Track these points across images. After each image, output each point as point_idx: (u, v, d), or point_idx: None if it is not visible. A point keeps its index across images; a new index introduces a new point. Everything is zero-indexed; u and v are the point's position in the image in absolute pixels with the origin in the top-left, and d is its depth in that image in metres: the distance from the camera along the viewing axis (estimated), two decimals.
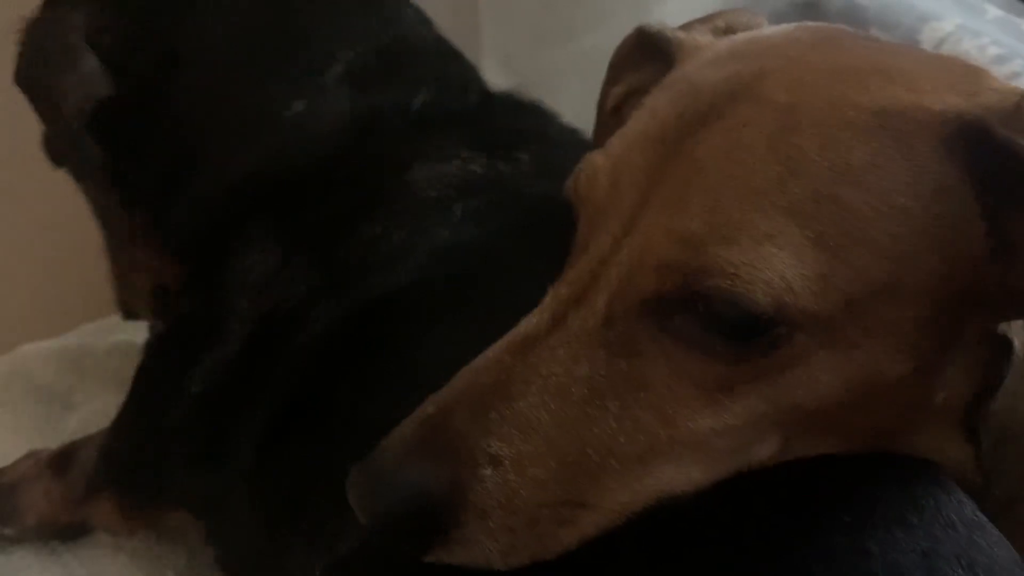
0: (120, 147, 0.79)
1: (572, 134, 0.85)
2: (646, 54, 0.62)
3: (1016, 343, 0.50)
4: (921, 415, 0.50)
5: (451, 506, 0.46)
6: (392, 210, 0.73)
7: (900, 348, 0.46)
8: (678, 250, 0.45)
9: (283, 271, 0.74)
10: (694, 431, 0.46)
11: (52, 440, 0.95)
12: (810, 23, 0.55)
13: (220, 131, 0.78)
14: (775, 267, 0.43)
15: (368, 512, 0.47)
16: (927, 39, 0.97)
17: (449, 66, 0.85)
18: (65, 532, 0.90)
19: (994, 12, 1.02)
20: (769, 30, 0.56)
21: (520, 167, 0.76)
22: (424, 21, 0.86)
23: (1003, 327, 0.50)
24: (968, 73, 0.49)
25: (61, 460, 0.91)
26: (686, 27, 0.61)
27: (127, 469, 0.85)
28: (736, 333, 0.44)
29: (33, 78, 0.79)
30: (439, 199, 0.73)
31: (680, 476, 0.47)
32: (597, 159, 0.52)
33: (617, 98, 0.64)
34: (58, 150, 0.84)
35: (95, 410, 1.00)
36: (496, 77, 1.19)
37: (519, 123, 0.82)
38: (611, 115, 0.65)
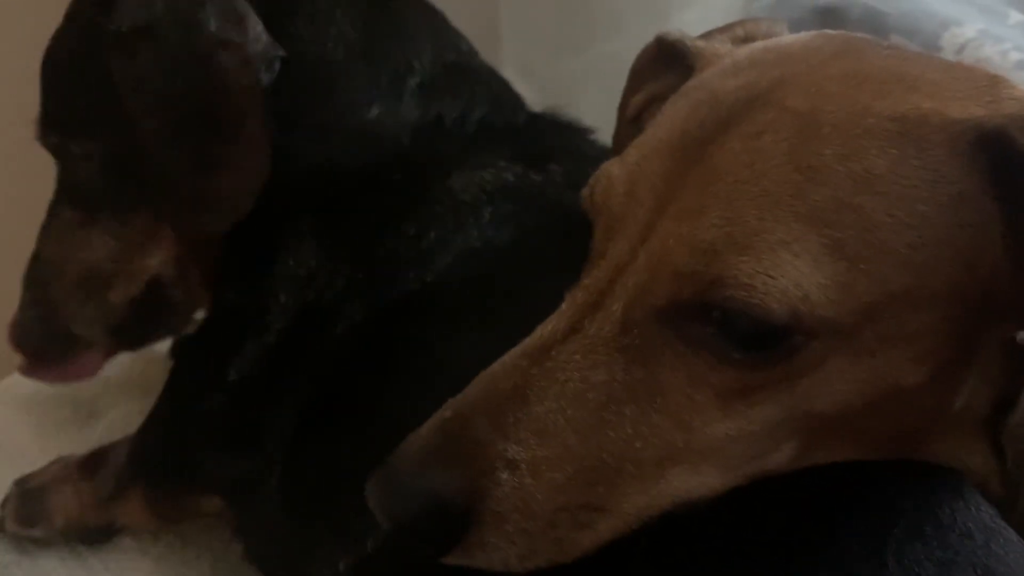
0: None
1: (605, 151, 0.86)
2: (666, 63, 0.62)
3: None
4: (939, 423, 0.50)
5: (468, 510, 0.46)
6: (430, 212, 0.76)
7: (917, 356, 0.46)
8: (694, 259, 0.45)
9: (326, 266, 0.76)
10: (710, 437, 0.46)
11: (78, 447, 0.96)
12: (830, 31, 0.55)
13: (306, 126, 0.79)
14: (790, 275, 0.43)
15: (387, 516, 0.47)
16: (948, 45, 0.97)
17: (501, 88, 0.89)
18: (92, 534, 0.91)
19: (1016, 17, 1.01)
20: (788, 38, 0.56)
21: (552, 177, 0.78)
22: (474, 51, 0.90)
23: (1022, 335, 0.50)
24: (988, 82, 0.49)
25: (90, 463, 0.92)
26: (706, 36, 0.61)
27: (160, 456, 0.87)
28: (751, 342, 0.44)
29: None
30: (471, 202, 0.75)
31: (696, 481, 0.47)
32: (613, 167, 0.52)
33: (637, 106, 0.65)
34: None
35: (120, 417, 1.02)
36: (516, 86, 1.20)
37: (557, 140, 0.85)
38: (631, 123, 0.65)
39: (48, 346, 0.86)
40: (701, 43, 0.59)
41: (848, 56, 0.50)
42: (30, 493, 0.91)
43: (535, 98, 1.21)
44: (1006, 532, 0.47)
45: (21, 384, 1.06)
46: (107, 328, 0.86)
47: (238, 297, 0.81)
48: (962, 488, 0.49)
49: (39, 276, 0.85)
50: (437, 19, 0.88)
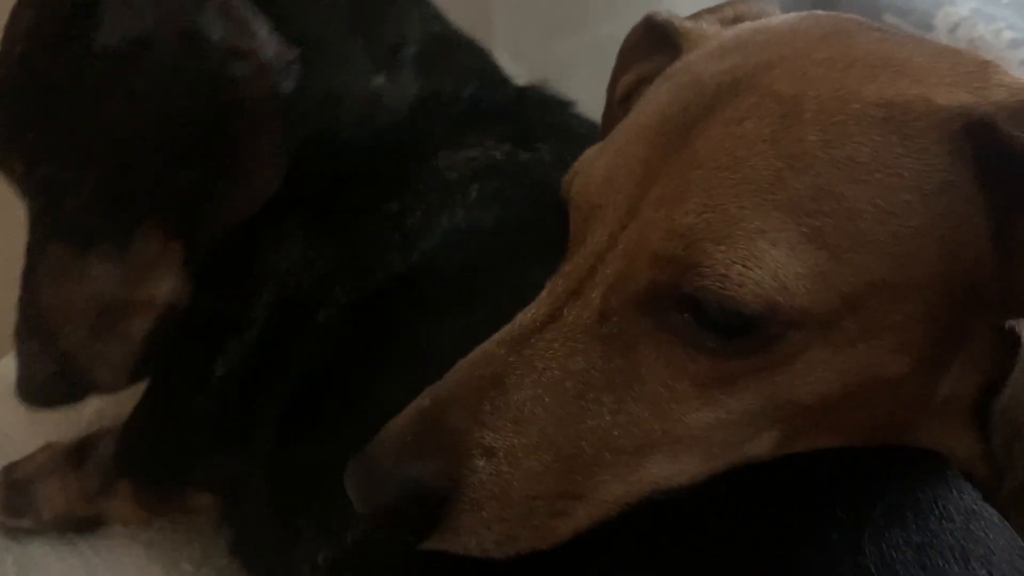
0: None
1: (593, 128, 0.84)
2: (655, 43, 0.61)
3: None
4: (923, 411, 0.50)
5: (445, 497, 0.46)
6: (415, 190, 0.74)
7: (899, 346, 0.46)
8: (671, 244, 0.44)
9: (308, 253, 0.74)
10: (689, 426, 0.46)
11: (67, 431, 0.96)
12: (820, 12, 0.55)
13: (307, 99, 0.75)
14: (767, 266, 0.42)
15: (365, 504, 0.47)
16: (941, 24, 0.97)
17: (486, 62, 0.87)
18: (81, 524, 0.90)
19: None
20: (777, 20, 0.55)
21: (540, 156, 0.77)
22: (453, 24, 0.88)
23: (1011, 322, 0.49)
24: (978, 67, 0.48)
25: (78, 453, 0.91)
26: (695, 17, 0.60)
27: (147, 453, 0.86)
28: (728, 331, 0.44)
29: None
30: (457, 181, 0.74)
31: (675, 469, 0.47)
32: (593, 154, 0.52)
33: (627, 87, 0.64)
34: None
35: (110, 401, 1.01)
36: (508, 67, 1.19)
37: (545, 117, 0.83)
38: (620, 104, 0.64)
39: (66, 398, 0.80)
40: (689, 24, 0.58)
41: (836, 39, 0.49)
42: (17, 484, 0.90)
43: (526, 80, 1.20)
44: (987, 514, 0.47)
45: (10, 369, 1.05)
46: (130, 370, 0.80)
47: (220, 295, 0.78)
48: (944, 472, 0.49)
49: (42, 326, 0.77)
50: None
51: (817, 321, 0.44)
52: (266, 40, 0.70)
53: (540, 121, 0.82)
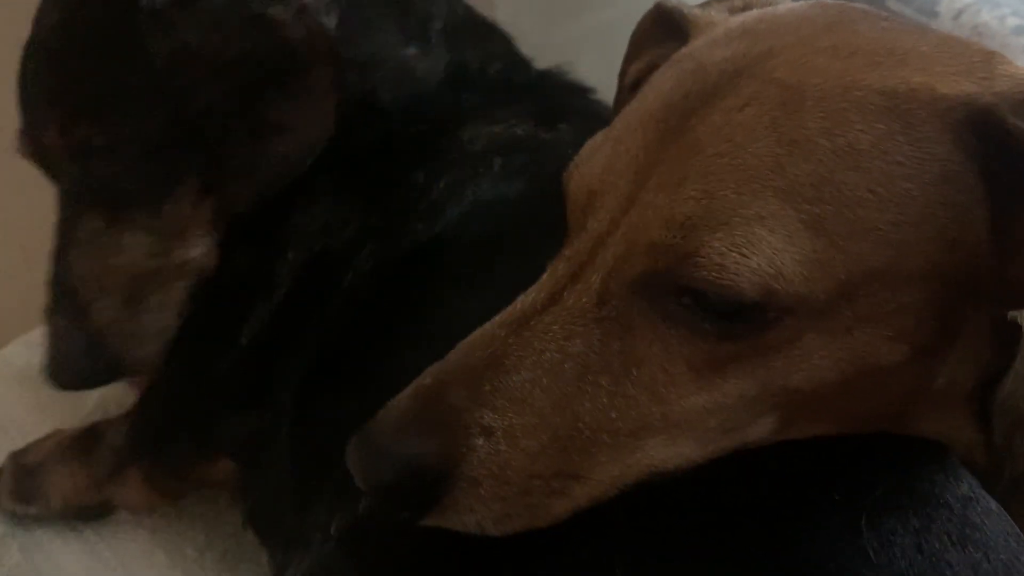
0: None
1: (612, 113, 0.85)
2: (665, 30, 0.61)
3: None
4: (920, 401, 0.50)
5: (444, 475, 0.47)
6: (441, 161, 0.75)
7: (895, 335, 0.46)
8: (669, 232, 0.45)
9: (335, 216, 0.75)
10: (686, 409, 0.46)
11: (72, 419, 0.96)
12: (827, 0, 0.55)
13: (348, 64, 0.75)
14: (764, 253, 0.43)
15: (365, 481, 0.48)
16: (945, 10, 0.96)
17: (510, 45, 0.88)
18: (89, 512, 0.91)
19: None
20: (782, 8, 0.55)
21: (561, 136, 0.77)
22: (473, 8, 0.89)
23: (1013, 312, 0.49)
24: (983, 57, 0.48)
25: (85, 440, 0.91)
26: (704, 5, 0.60)
27: (168, 425, 0.85)
28: (724, 316, 0.44)
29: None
30: (481, 153, 0.75)
31: (672, 452, 0.47)
32: (597, 139, 0.52)
33: (637, 73, 0.64)
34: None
35: (114, 389, 1.02)
36: None
37: (567, 99, 0.84)
38: (630, 91, 0.64)
39: (98, 378, 0.78)
40: (697, 11, 0.58)
41: (840, 28, 0.49)
42: (25, 470, 0.91)
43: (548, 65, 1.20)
44: (984, 502, 0.48)
45: (16, 355, 1.06)
46: (163, 346, 0.78)
47: (248, 257, 0.78)
48: (942, 459, 0.49)
49: (75, 302, 0.75)
50: None
51: (814, 308, 0.44)
52: None
53: (562, 103, 0.83)
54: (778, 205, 0.43)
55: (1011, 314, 0.49)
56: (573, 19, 1.15)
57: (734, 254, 0.43)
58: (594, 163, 0.51)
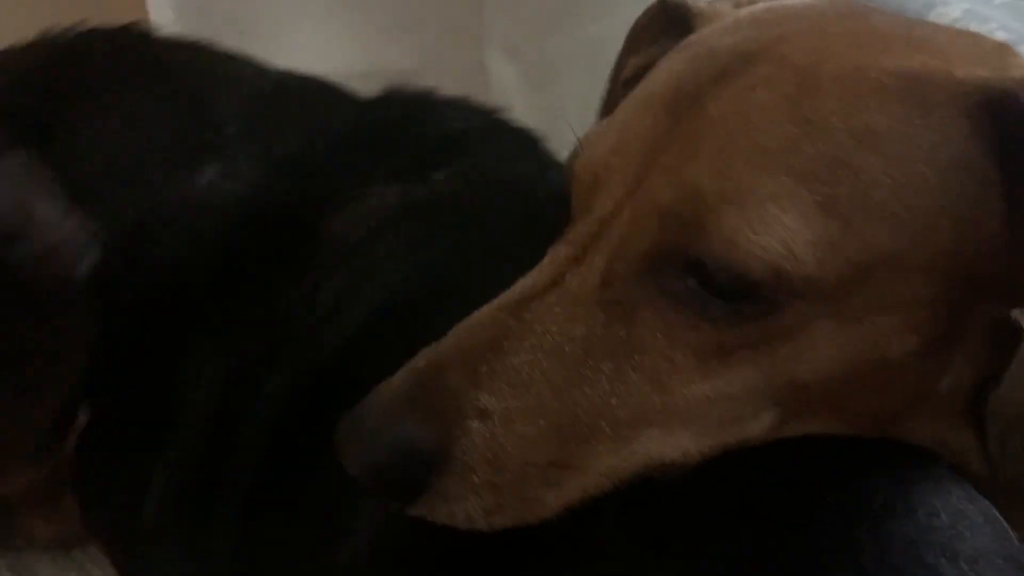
0: None
1: (488, 116, 0.80)
2: (666, 26, 0.60)
3: None
4: (922, 402, 0.49)
5: (436, 459, 0.45)
6: (319, 264, 0.69)
7: (904, 326, 0.45)
8: (678, 199, 0.44)
9: (228, 350, 0.68)
10: (687, 398, 0.45)
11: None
12: None
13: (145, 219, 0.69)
14: (776, 232, 0.42)
15: (355, 464, 0.46)
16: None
17: (326, 92, 0.80)
18: (75, 541, 0.88)
19: None
20: (792, 1, 0.54)
21: (437, 188, 0.72)
22: (286, 71, 0.79)
23: (1015, 312, 0.48)
24: (996, 49, 0.48)
25: (55, 489, 0.84)
26: (710, 1, 0.60)
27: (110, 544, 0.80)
28: (731, 297, 0.43)
29: None
30: (361, 242, 0.69)
31: (669, 443, 0.46)
32: (601, 127, 0.51)
33: (634, 69, 0.63)
34: None
35: None
36: (500, 66, 1.19)
37: (425, 132, 0.77)
38: (625, 86, 0.63)
39: None
40: (703, 4, 0.58)
41: (853, 17, 0.49)
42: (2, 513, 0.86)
43: (519, 79, 1.20)
44: (972, 515, 0.47)
45: None
46: None
47: (139, 405, 0.71)
48: (934, 470, 0.49)
49: None
50: (229, 58, 0.78)
51: (824, 292, 0.43)
52: (54, 220, 0.62)
53: (421, 142, 0.76)
54: (792, 185, 0.42)
55: (1015, 315, 0.48)
56: (565, 32, 1.15)
57: (745, 231, 0.42)
58: (600, 146, 0.50)
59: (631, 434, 0.46)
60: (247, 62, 0.80)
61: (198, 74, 0.77)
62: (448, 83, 1.26)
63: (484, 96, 1.22)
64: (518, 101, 1.20)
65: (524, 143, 0.81)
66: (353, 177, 0.72)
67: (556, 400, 0.46)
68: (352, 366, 0.64)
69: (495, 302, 0.48)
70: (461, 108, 0.80)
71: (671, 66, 0.50)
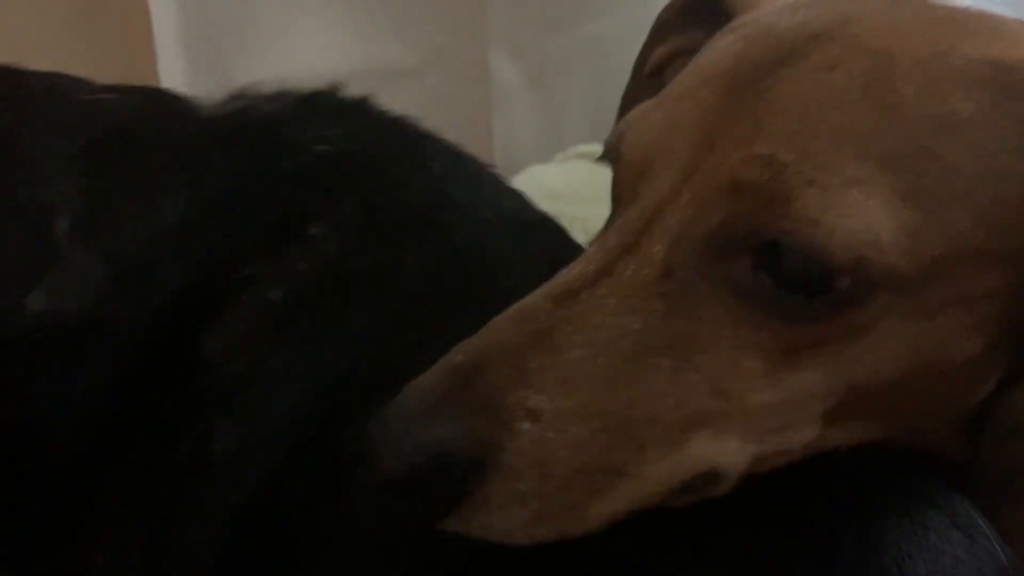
0: None
1: (385, 141, 0.66)
2: (695, 16, 0.58)
3: None
4: (961, 410, 0.47)
5: (479, 464, 0.41)
6: (208, 401, 0.56)
7: (975, 325, 0.43)
8: (756, 170, 0.41)
9: (129, 522, 0.57)
10: (746, 400, 0.43)
11: None
12: None
13: None
14: (861, 217, 0.40)
15: (386, 469, 0.42)
16: None
17: (172, 134, 0.64)
18: None
19: None
20: None
21: (321, 251, 0.58)
22: (134, 117, 0.63)
23: None
24: None
25: None
26: None
27: None
28: (807, 289, 0.41)
29: None
30: (254, 363, 0.56)
31: (717, 449, 0.43)
32: (647, 107, 0.48)
33: (660, 59, 0.60)
34: None
35: None
36: (503, 65, 1.19)
37: (284, 168, 0.62)
38: (650, 77, 0.61)
39: None
40: None
41: (913, 2, 0.47)
42: None
43: (522, 78, 1.20)
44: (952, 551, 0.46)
45: None
46: None
47: None
48: (923, 486, 0.47)
49: None
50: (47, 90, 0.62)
51: (902, 284, 0.41)
52: None
53: (285, 182, 0.61)
54: (875, 171, 0.40)
55: None
56: (568, 31, 1.15)
57: (832, 211, 0.40)
58: (648, 128, 0.47)
59: (683, 438, 0.43)
60: (64, 87, 0.64)
61: (12, 128, 0.60)
62: (450, 82, 1.26)
63: (485, 94, 1.23)
64: (520, 100, 1.21)
65: (430, 157, 0.66)
66: (216, 264, 0.58)
67: (610, 399, 0.42)
68: (284, 499, 0.54)
69: (538, 292, 0.44)
70: (325, 116, 0.65)
71: (725, 46, 0.47)
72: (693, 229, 0.43)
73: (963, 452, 0.49)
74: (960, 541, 0.45)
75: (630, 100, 0.63)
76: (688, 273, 0.43)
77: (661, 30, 0.61)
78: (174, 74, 1.09)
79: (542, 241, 0.62)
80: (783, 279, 0.41)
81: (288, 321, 0.56)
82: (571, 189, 0.93)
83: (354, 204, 0.60)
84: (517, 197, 0.67)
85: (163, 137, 0.63)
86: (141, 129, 0.63)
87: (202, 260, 0.58)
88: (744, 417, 0.43)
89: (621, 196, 0.47)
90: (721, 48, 0.48)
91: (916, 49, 0.43)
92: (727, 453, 0.43)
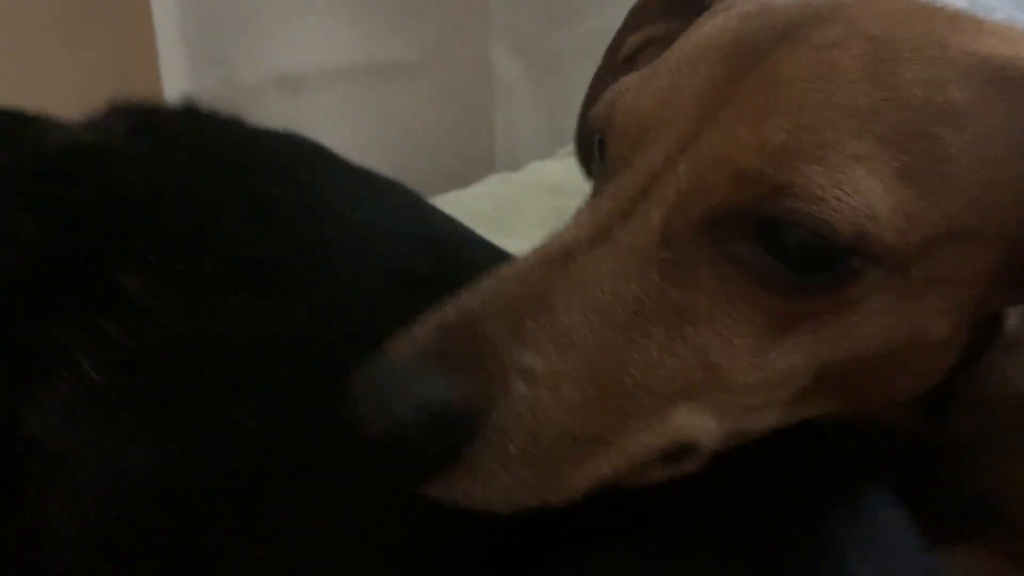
0: None
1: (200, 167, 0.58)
2: (669, 6, 0.59)
3: (1011, 321, 0.50)
4: (923, 387, 0.48)
5: (470, 423, 0.40)
6: (35, 480, 0.49)
7: (951, 307, 0.45)
8: (761, 160, 0.42)
9: None
10: (733, 374, 0.43)
11: None
12: None
13: None
14: (863, 193, 0.41)
15: (374, 424, 0.40)
16: None
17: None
18: None
19: None
20: None
21: (136, 327, 0.50)
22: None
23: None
24: None
25: None
26: None
27: None
28: (803, 264, 0.42)
29: None
30: (68, 453, 0.49)
31: (695, 422, 0.44)
32: (642, 75, 0.48)
33: (633, 46, 0.61)
34: None
35: None
36: (505, 61, 1.19)
37: (101, 216, 0.54)
38: (624, 63, 0.61)
39: None
40: None
41: None
42: None
43: (523, 74, 1.20)
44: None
45: None
46: None
47: None
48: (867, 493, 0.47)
49: None
50: None
51: (893, 262, 0.42)
52: None
53: (100, 234, 0.53)
54: (875, 148, 0.42)
55: (1013, 312, 0.49)
56: (570, 26, 1.15)
57: (836, 189, 0.41)
58: (645, 96, 0.47)
59: (667, 409, 0.43)
60: None
61: None
62: (452, 77, 1.26)
63: (487, 90, 1.23)
64: (522, 95, 1.21)
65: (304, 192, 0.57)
66: (29, 326, 0.51)
67: (603, 365, 0.42)
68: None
69: (530, 256, 0.44)
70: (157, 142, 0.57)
71: (721, 23, 0.48)
72: (691, 201, 0.43)
73: (916, 424, 0.51)
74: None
75: (599, 84, 0.63)
76: (685, 244, 0.43)
77: (636, 18, 0.61)
78: (175, 70, 1.09)
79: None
80: (783, 255, 0.42)
81: (112, 403, 0.49)
82: (573, 184, 0.93)
83: (171, 250, 0.52)
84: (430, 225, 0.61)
85: None
86: None
87: (13, 321, 0.51)
88: (727, 394, 0.44)
89: (613, 163, 0.47)
90: (717, 24, 0.48)
91: (915, 37, 0.44)
92: (705, 429, 0.44)
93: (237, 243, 0.54)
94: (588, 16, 1.13)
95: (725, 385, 0.43)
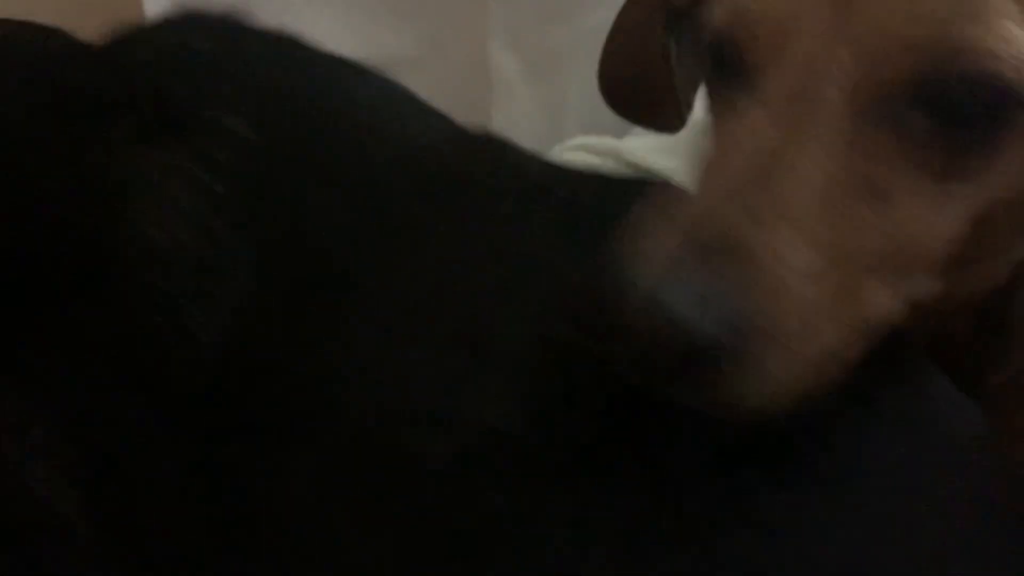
0: None
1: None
2: None
3: None
4: (996, 261, 0.52)
5: (748, 320, 0.40)
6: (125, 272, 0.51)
7: None
8: (926, 28, 0.44)
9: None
10: (913, 238, 0.46)
11: None
12: None
13: None
14: (1019, 43, 0.44)
15: (661, 310, 0.39)
16: None
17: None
18: None
19: None
20: None
21: (241, 139, 0.53)
22: None
23: None
24: None
25: None
26: None
27: None
28: (967, 120, 0.45)
29: None
30: (190, 239, 0.51)
31: (879, 298, 0.46)
32: None
33: None
34: None
35: None
36: (503, 56, 1.18)
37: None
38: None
39: None
40: None
41: None
42: None
43: (521, 69, 1.19)
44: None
45: None
46: None
47: None
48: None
49: None
50: None
51: None
52: None
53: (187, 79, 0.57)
54: (1012, 6, 0.44)
55: None
56: (566, 23, 1.14)
57: (1001, 43, 0.44)
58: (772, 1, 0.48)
59: (867, 284, 0.45)
60: None
61: None
62: (450, 72, 1.25)
63: (485, 86, 1.22)
64: (520, 91, 1.20)
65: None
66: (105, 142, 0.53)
67: (834, 249, 0.43)
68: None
69: (730, 156, 0.46)
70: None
71: None
72: (866, 80, 0.45)
73: (974, 344, 0.55)
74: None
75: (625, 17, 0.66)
76: (866, 121, 0.45)
77: None
78: None
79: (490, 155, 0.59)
80: (947, 116, 0.45)
81: (227, 203, 0.51)
82: None
83: (261, 94, 0.56)
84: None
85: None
86: None
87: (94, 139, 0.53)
88: (905, 258, 0.46)
89: (760, 59, 0.48)
90: None
91: None
92: (882, 306, 0.46)
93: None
94: (587, 12, 1.12)
95: (908, 245, 0.46)
